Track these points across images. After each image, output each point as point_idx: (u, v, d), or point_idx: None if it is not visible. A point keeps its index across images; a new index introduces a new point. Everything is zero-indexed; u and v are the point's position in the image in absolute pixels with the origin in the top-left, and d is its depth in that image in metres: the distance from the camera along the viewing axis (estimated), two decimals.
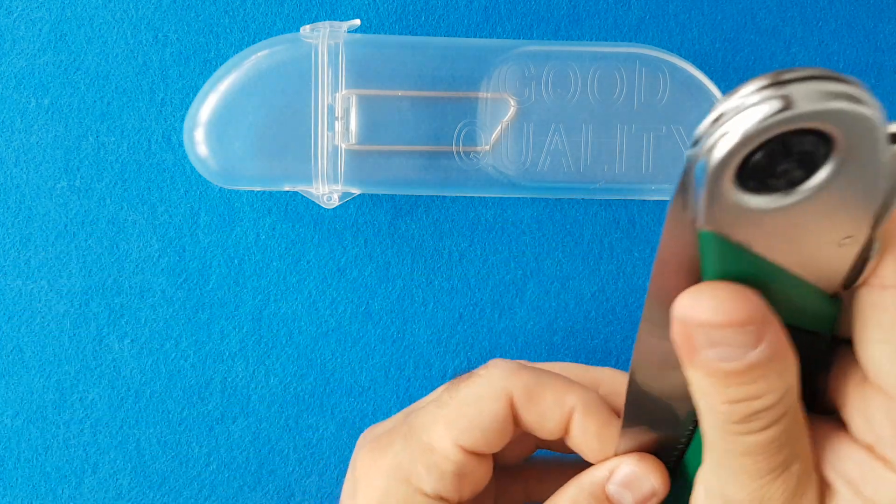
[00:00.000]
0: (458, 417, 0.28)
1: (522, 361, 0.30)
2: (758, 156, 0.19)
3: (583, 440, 0.29)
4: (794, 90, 0.18)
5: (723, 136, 0.19)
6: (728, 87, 0.38)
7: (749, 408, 0.21)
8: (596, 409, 0.29)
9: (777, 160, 0.19)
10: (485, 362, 0.38)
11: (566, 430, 0.29)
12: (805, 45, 0.38)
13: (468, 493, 0.29)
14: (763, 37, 0.38)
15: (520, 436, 0.30)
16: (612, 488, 0.28)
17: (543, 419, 0.29)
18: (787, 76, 0.19)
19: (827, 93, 0.19)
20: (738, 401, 0.21)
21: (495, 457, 0.30)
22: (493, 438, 0.29)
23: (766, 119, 0.18)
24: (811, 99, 0.18)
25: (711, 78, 0.36)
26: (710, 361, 0.21)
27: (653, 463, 0.28)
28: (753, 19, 0.38)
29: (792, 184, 0.19)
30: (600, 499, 0.28)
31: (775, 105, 0.18)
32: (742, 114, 0.19)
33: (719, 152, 0.19)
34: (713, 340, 0.21)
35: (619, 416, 0.29)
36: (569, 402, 0.29)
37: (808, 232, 0.20)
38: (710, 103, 0.36)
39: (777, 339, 0.21)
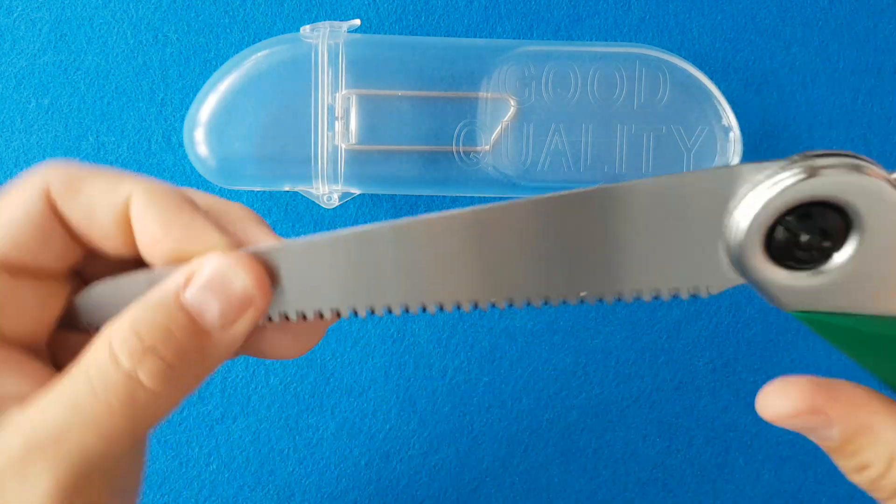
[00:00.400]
0: None
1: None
2: (783, 232, 0.21)
3: (145, 234, 0.22)
4: (816, 162, 0.20)
5: (748, 207, 0.20)
6: (728, 86, 0.38)
7: None
8: (161, 195, 0.22)
9: (803, 234, 0.21)
10: (485, 362, 0.38)
11: (125, 228, 0.22)
12: (805, 45, 0.38)
13: (12, 324, 0.22)
14: (763, 37, 0.38)
15: (67, 242, 0.23)
16: (189, 295, 0.21)
17: (92, 212, 0.22)
18: (808, 154, 0.20)
19: (846, 165, 0.20)
20: None
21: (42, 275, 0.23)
22: (28, 242, 0.22)
23: (787, 189, 0.20)
24: (832, 172, 0.20)
25: (711, 78, 0.36)
26: None
27: (248, 258, 0.22)
28: (753, 19, 0.38)
29: (824, 256, 0.21)
30: (173, 313, 0.21)
31: (798, 175, 0.20)
32: (763, 185, 0.20)
33: (745, 222, 0.20)
34: None
35: (199, 210, 0.23)
36: (124, 189, 0.22)
37: (874, 275, 0.21)
38: (710, 103, 0.36)
39: None
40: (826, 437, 0.22)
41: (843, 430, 0.22)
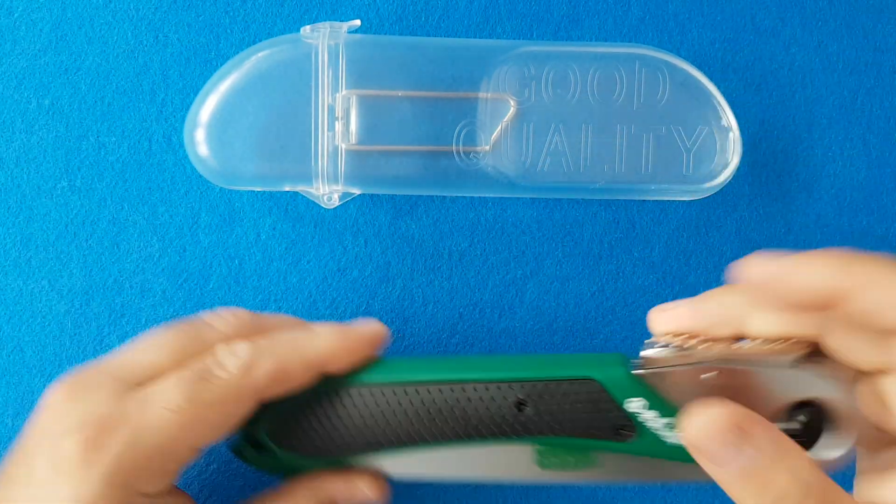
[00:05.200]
0: (196, 422, 0.27)
1: (258, 318, 0.31)
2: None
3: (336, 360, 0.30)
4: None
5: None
6: (728, 86, 0.38)
7: None
8: (335, 337, 0.30)
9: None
10: None
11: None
12: (805, 45, 0.38)
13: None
14: (763, 37, 0.38)
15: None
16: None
17: (292, 387, 0.29)
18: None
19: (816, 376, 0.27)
20: None
21: None
22: (230, 430, 0.28)
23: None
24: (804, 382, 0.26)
25: (711, 78, 0.36)
26: None
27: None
28: (753, 19, 0.38)
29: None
30: None
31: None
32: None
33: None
34: None
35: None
36: (308, 358, 0.29)
37: None
38: (709, 103, 0.36)
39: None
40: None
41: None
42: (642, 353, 0.28)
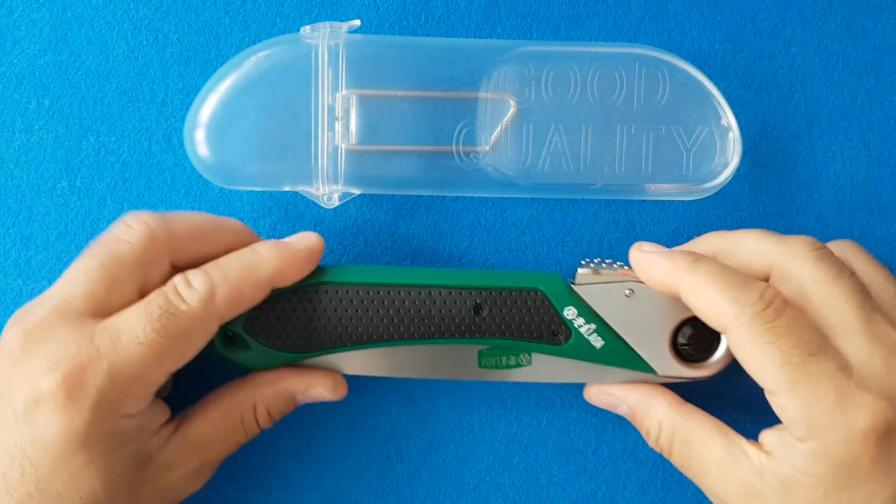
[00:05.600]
0: (167, 352, 0.30)
1: (172, 220, 0.32)
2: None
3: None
4: None
5: None
6: (727, 86, 0.38)
7: None
8: (282, 250, 0.33)
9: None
10: None
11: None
12: (804, 45, 0.38)
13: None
14: (763, 37, 0.38)
15: None
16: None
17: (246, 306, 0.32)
18: None
19: None
20: None
21: None
22: (198, 352, 0.31)
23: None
24: None
25: (711, 78, 0.36)
26: None
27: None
28: (753, 20, 0.38)
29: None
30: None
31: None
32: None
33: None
34: None
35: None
36: (264, 274, 0.32)
37: None
38: (709, 103, 0.36)
39: None
40: (621, 412, 0.35)
41: (630, 407, 0.34)
42: (579, 272, 0.34)
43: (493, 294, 0.33)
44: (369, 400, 0.38)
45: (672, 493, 0.38)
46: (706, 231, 0.35)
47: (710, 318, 0.31)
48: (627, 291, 0.33)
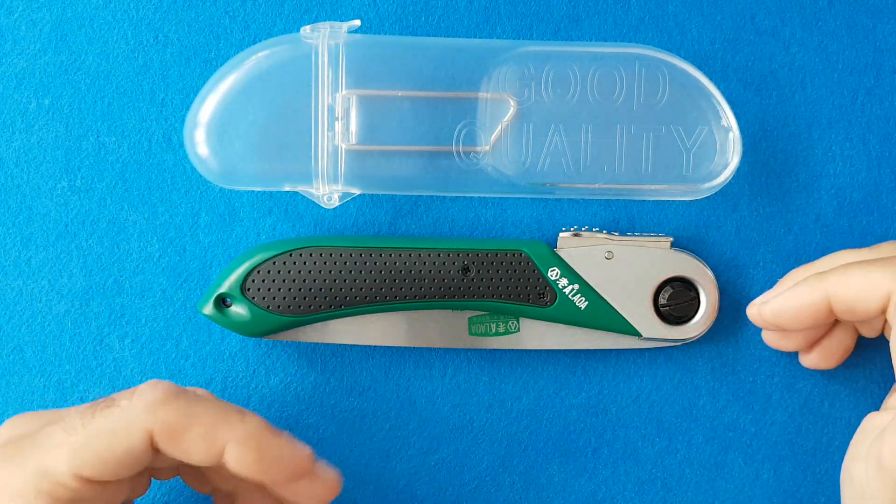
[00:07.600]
0: (83, 449, 0.27)
1: (183, 389, 0.29)
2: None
3: (244, 474, 0.28)
4: None
5: None
6: (727, 87, 0.38)
7: None
8: (253, 444, 0.28)
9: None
10: (484, 362, 0.38)
11: (223, 461, 0.28)
12: (804, 45, 0.38)
13: None
14: (763, 37, 0.38)
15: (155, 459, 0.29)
16: None
17: (189, 455, 0.28)
18: None
19: None
20: None
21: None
22: (122, 470, 0.28)
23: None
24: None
25: (711, 78, 0.36)
26: None
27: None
28: (753, 20, 0.38)
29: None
30: None
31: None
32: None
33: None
34: None
35: (287, 438, 0.29)
36: (221, 437, 0.28)
37: None
38: (709, 104, 0.36)
39: None
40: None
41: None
42: (560, 236, 0.36)
43: (480, 256, 0.35)
44: (369, 400, 0.38)
45: (672, 493, 0.38)
46: (706, 231, 0.35)
47: (869, 304, 0.31)
48: (607, 253, 0.35)
